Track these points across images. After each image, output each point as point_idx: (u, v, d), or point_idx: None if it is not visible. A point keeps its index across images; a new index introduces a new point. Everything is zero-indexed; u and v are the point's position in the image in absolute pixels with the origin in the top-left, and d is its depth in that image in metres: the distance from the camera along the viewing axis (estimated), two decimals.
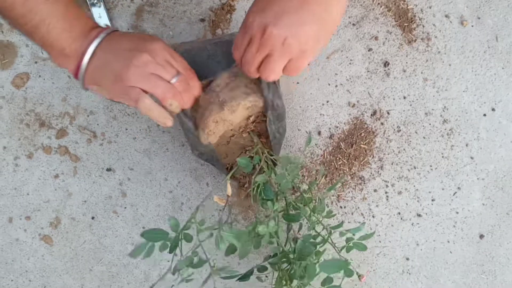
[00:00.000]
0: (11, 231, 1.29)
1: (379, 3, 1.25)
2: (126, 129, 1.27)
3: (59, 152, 1.27)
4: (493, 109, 1.28)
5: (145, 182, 1.29)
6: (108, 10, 1.21)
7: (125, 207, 1.29)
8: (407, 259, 1.33)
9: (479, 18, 1.25)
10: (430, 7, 1.25)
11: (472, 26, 1.25)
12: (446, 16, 1.25)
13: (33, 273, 1.29)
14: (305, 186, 1.22)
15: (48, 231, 1.29)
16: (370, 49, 1.27)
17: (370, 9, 1.25)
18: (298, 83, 1.27)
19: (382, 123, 1.28)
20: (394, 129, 1.29)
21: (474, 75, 1.27)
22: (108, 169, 1.28)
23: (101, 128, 1.26)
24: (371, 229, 1.31)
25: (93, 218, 1.29)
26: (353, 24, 1.26)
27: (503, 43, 1.26)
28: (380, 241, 1.32)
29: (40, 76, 1.24)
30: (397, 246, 1.33)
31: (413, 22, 1.25)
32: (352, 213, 1.31)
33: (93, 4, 1.19)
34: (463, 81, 1.27)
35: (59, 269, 1.29)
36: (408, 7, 1.25)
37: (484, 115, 1.28)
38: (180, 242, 0.93)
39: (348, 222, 1.31)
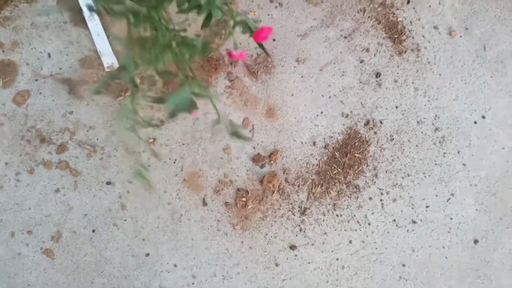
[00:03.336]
0: (13, 246, 1.27)
1: (369, 16, 1.25)
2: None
3: (60, 167, 1.26)
4: (483, 117, 1.27)
5: (144, 194, 1.27)
6: (106, 29, 1.22)
7: (125, 220, 1.28)
8: (404, 265, 1.32)
9: (467, 28, 1.25)
10: (419, 19, 1.25)
11: (461, 36, 1.25)
12: (435, 27, 1.25)
13: (35, 286, 1.27)
14: None
15: (50, 244, 1.28)
16: (362, 61, 1.27)
17: (361, 22, 1.26)
18: (292, 95, 1.26)
19: (375, 133, 1.28)
20: (387, 138, 1.28)
21: (463, 84, 1.27)
22: (108, 183, 1.27)
23: (101, 143, 1.26)
24: (367, 236, 1.30)
25: (93, 231, 1.28)
26: (345, 37, 1.26)
27: (491, 53, 1.26)
28: (376, 248, 1.31)
29: (40, 93, 1.23)
30: (393, 252, 1.32)
31: (403, 34, 1.25)
32: (348, 221, 1.29)
33: (91, 21, 1.19)
34: (453, 90, 1.27)
35: (60, 282, 1.28)
36: (398, 20, 1.25)
37: (475, 122, 1.28)
38: None
39: (345, 230, 1.30)
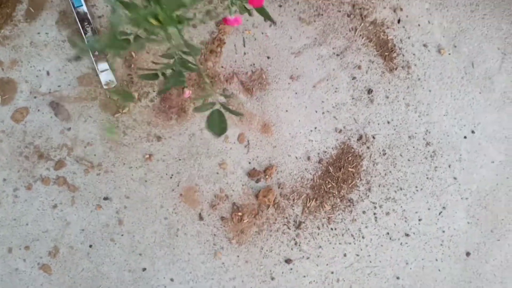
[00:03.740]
0: (11, 261, 1.28)
1: (360, 35, 1.28)
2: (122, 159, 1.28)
3: (58, 182, 1.27)
4: (472, 132, 1.30)
5: (141, 209, 1.28)
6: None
7: (122, 235, 1.29)
8: (398, 278, 1.33)
9: (455, 46, 1.29)
10: (408, 37, 1.28)
11: (449, 54, 1.29)
12: (424, 45, 1.28)
13: None
14: None
15: (47, 260, 1.28)
16: (354, 78, 1.29)
17: (352, 40, 1.29)
18: (287, 111, 1.29)
19: (368, 147, 1.30)
20: (380, 153, 1.30)
21: (453, 100, 1.30)
22: (105, 198, 1.28)
23: (98, 159, 1.27)
24: (361, 249, 1.31)
25: (91, 246, 1.28)
26: (337, 55, 1.29)
27: (479, 69, 1.29)
28: (370, 261, 1.32)
29: (39, 110, 1.25)
30: (387, 265, 1.33)
31: (393, 51, 1.28)
32: (342, 235, 1.31)
33: (89, 39, 1.21)
34: (443, 105, 1.30)
35: None
36: (388, 38, 1.28)
37: (465, 137, 1.30)
38: None
39: (339, 243, 1.31)
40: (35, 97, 1.25)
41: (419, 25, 1.28)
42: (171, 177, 1.28)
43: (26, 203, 1.27)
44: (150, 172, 1.28)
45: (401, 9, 1.28)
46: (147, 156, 1.27)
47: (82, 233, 1.28)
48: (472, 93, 1.29)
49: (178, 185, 1.28)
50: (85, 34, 1.22)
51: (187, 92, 0.89)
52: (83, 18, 1.22)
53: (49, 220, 1.28)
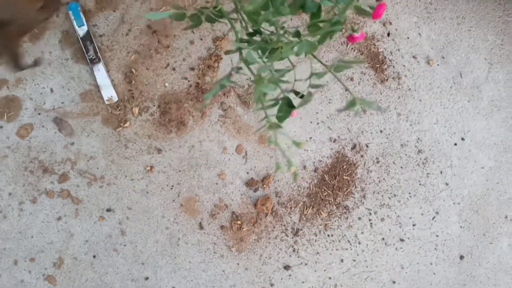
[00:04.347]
0: (17, 273, 1.31)
1: (352, 48, 1.33)
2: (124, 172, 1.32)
3: (62, 195, 1.31)
4: (462, 139, 1.34)
5: (143, 220, 1.32)
6: (105, 65, 1.28)
7: (125, 245, 1.32)
8: (394, 282, 1.36)
9: (443, 57, 1.33)
10: (398, 50, 1.33)
11: (438, 65, 1.33)
12: (414, 57, 1.33)
13: None
14: None
15: (52, 271, 1.31)
16: (347, 89, 1.34)
17: (344, 53, 1.33)
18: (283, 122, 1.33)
19: (362, 156, 1.34)
20: (374, 161, 1.34)
21: (443, 108, 1.34)
22: (108, 210, 1.32)
23: (101, 172, 1.31)
24: (357, 255, 1.35)
25: (94, 256, 1.32)
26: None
27: (467, 79, 1.34)
28: (367, 266, 1.35)
29: (43, 126, 1.29)
30: (384, 270, 1.37)
31: (384, 63, 1.33)
32: (339, 241, 1.35)
33: (92, 60, 1.25)
34: (433, 114, 1.34)
35: None
36: (379, 50, 1.33)
37: (455, 144, 1.34)
38: None
39: (336, 249, 1.35)
40: (39, 114, 1.29)
41: (408, 37, 1.32)
42: (171, 188, 1.32)
43: (31, 216, 1.31)
44: (151, 183, 1.32)
45: (390, 23, 1.32)
46: (148, 168, 1.31)
47: (86, 244, 1.31)
48: (461, 102, 1.34)
49: (178, 196, 1.32)
50: (87, 52, 1.26)
51: None
52: (85, 37, 1.26)
53: (54, 232, 1.31)
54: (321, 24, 0.69)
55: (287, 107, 0.78)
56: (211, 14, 0.77)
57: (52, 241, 1.31)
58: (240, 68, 0.77)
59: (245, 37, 0.76)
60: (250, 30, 0.75)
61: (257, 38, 0.75)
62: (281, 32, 0.73)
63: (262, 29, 0.74)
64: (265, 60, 0.73)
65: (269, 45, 0.72)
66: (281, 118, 0.79)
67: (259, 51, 0.73)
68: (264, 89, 0.70)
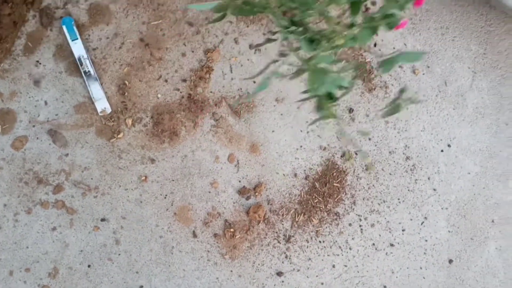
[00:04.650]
0: (12, 284, 1.32)
1: (340, 59, 1.36)
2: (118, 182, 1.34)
3: (56, 206, 1.32)
4: (449, 145, 1.38)
5: (137, 229, 1.34)
6: (99, 77, 1.30)
7: (119, 254, 1.34)
8: (385, 287, 1.39)
9: (428, 67, 1.37)
10: None
11: (423, 74, 1.37)
12: (400, 66, 1.36)
13: None
14: None
15: (47, 281, 1.32)
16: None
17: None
18: (273, 131, 1.36)
19: (351, 163, 1.37)
20: (363, 168, 1.37)
21: (429, 116, 1.37)
22: (103, 219, 1.33)
23: (95, 182, 1.33)
24: (349, 260, 1.37)
25: (89, 266, 1.33)
26: None
27: (452, 87, 1.37)
28: (358, 271, 1.38)
29: (37, 138, 1.31)
30: (374, 275, 1.39)
31: (371, 73, 1.36)
32: (330, 247, 1.37)
33: (86, 73, 1.27)
34: (420, 122, 1.37)
35: None
36: (366, 61, 1.36)
37: (442, 151, 1.38)
38: None
39: (328, 255, 1.37)
40: (33, 126, 1.31)
41: (394, 48, 1.36)
42: (165, 197, 1.34)
43: (26, 227, 1.32)
44: (145, 193, 1.34)
45: (377, 34, 1.36)
46: (143, 178, 1.33)
47: (80, 253, 1.33)
48: (447, 110, 1.37)
49: (172, 205, 1.34)
50: (81, 65, 1.29)
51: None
52: (79, 51, 1.28)
53: (49, 242, 1.32)
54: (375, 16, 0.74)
55: (328, 99, 0.82)
56: (255, 6, 0.81)
57: (47, 251, 1.32)
58: (285, 55, 0.80)
59: (283, 28, 0.79)
60: (284, 23, 0.77)
61: (298, 28, 0.78)
62: (335, 23, 0.76)
63: (303, 21, 0.77)
64: (317, 50, 0.77)
65: (317, 36, 0.76)
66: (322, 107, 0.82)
67: (304, 41, 0.76)
68: (319, 78, 0.74)
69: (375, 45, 1.36)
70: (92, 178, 1.32)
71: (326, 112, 0.80)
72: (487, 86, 1.37)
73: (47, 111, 1.31)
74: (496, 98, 1.36)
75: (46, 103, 1.31)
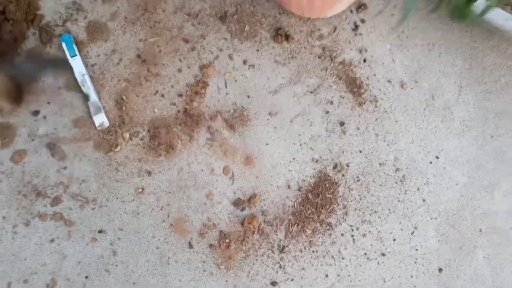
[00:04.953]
0: None
1: (331, 74, 1.41)
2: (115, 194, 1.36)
3: (55, 218, 1.35)
4: (437, 157, 1.42)
5: (134, 240, 1.36)
6: (97, 92, 1.34)
7: (116, 265, 1.36)
8: None
9: (416, 81, 1.42)
10: (374, 75, 1.41)
11: (411, 88, 1.42)
12: (389, 81, 1.41)
13: None
14: None
15: None
16: (327, 112, 1.41)
17: (324, 78, 1.41)
18: (267, 144, 1.39)
19: (343, 175, 1.41)
20: (354, 179, 1.41)
21: (417, 129, 1.42)
22: (100, 231, 1.36)
23: (93, 194, 1.35)
24: (341, 270, 1.40)
25: (86, 277, 1.35)
26: (311, 92, 1.41)
27: (439, 101, 1.42)
28: (351, 281, 1.41)
29: (36, 151, 1.34)
30: (367, 284, 1.42)
31: (361, 87, 1.41)
32: (323, 257, 1.40)
33: (84, 88, 1.31)
34: (409, 134, 1.42)
35: None
36: (356, 76, 1.41)
37: (430, 162, 1.42)
38: None
39: (321, 265, 1.40)
40: (33, 140, 1.34)
41: (383, 63, 1.41)
42: (161, 209, 1.37)
43: (25, 239, 1.34)
44: (142, 205, 1.36)
45: (366, 50, 1.41)
46: (139, 190, 1.36)
47: (78, 265, 1.35)
48: (434, 123, 1.42)
49: (168, 216, 1.37)
50: (80, 81, 1.32)
51: None
52: (78, 67, 1.32)
53: (47, 254, 1.34)
54: None
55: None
56: None
57: (45, 263, 1.34)
58: None
59: None
60: None
61: None
62: None
63: None
64: None
65: None
66: None
67: None
68: None
69: (364, 61, 1.41)
70: (90, 191, 1.35)
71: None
72: (473, 100, 1.41)
73: (46, 125, 1.34)
74: (482, 112, 1.41)
75: (45, 117, 1.34)
